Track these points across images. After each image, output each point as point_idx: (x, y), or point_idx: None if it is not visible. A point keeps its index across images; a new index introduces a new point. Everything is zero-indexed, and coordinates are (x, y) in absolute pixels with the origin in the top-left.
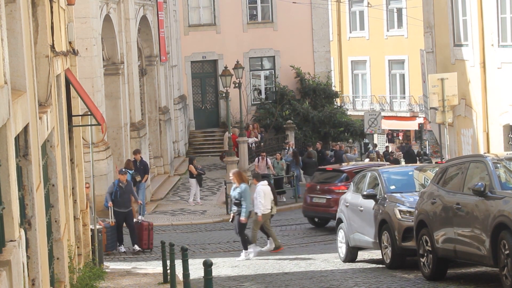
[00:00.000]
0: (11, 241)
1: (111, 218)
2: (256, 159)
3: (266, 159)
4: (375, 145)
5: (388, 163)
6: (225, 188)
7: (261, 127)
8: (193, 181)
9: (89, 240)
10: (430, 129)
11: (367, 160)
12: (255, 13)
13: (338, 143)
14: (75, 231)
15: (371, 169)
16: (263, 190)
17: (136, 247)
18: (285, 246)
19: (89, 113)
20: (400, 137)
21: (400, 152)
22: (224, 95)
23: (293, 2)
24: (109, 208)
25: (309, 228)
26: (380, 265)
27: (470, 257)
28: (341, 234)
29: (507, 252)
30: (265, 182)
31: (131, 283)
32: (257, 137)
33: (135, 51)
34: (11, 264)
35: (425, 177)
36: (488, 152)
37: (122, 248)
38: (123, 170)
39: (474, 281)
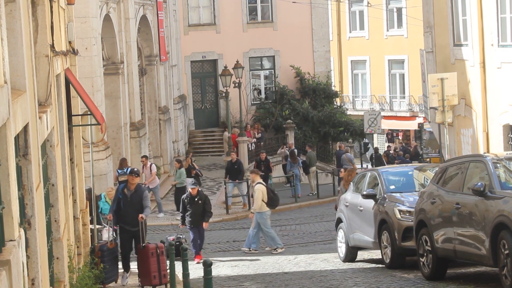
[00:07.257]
0: (11, 240)
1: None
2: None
3: (150, 166)
4: (376, 149)
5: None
6: (225, 188)
7: (261, 126)
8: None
9: (89, 239)
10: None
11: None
12: (254, 13)
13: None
14: (75, 230)
15: (371, 169)
16: None
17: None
18: (285, 246)
19: (88, 112)
20: (400, 137)
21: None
22: (224, 94)
23: (293, 2)
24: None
25: (309, 228)
26: (380, 265)
27: (470, 257)
28: (340, 234)
29: (506, 252)
30: None
31: (131, 283)
32: (255, 137)
33: (135, 50)
34: (10, 264)
35: (424, 177)
36: (488, 152)
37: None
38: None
39: (473, 281)
